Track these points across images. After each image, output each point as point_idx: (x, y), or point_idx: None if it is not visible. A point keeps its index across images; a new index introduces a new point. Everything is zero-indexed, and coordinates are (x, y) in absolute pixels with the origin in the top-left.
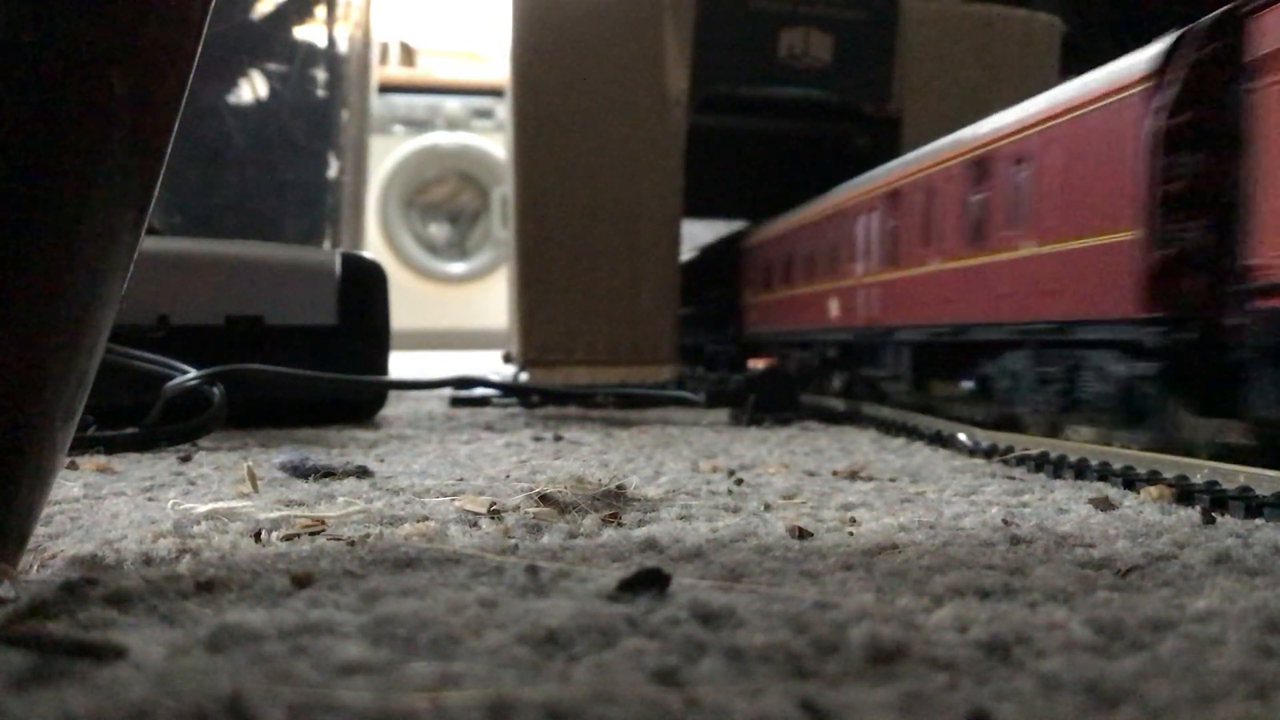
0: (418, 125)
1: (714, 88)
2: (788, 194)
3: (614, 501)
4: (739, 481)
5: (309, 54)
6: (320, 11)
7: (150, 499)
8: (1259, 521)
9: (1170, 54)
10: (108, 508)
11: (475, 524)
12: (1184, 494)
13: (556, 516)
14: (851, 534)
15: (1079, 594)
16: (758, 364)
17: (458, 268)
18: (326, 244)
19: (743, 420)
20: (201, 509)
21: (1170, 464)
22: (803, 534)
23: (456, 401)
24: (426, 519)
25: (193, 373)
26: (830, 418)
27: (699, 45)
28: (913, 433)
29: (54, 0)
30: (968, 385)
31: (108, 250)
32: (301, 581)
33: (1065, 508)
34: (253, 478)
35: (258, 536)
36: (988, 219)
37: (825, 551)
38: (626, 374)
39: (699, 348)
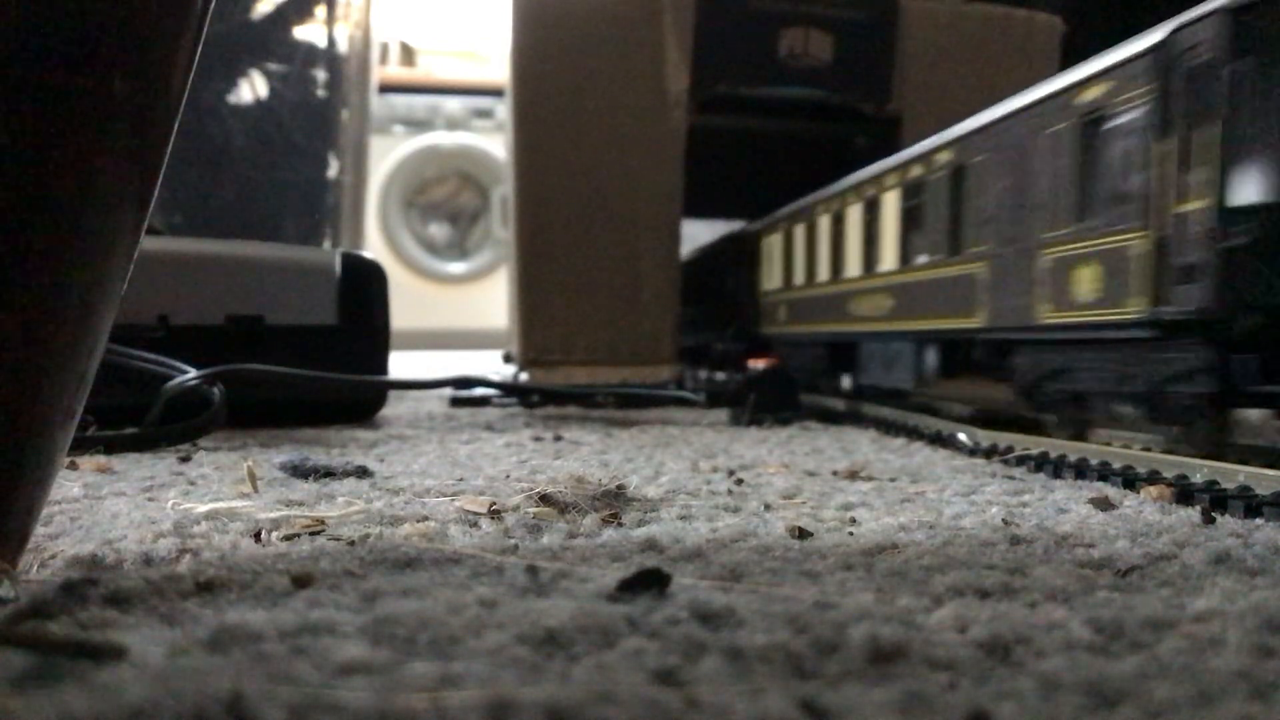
0: (418, 125)
1: (714, 88)
2: (788, 194)
3: (614, 501)
4: (739, 481)
5: (309, 54)
6: (320, 11)
7: (150, 499)
8: (1259, 521)
9: None
10: (108, 508)
11: (475, 524)
12: (1184, 494)
13: (556, 516)
14: (851, 534)
15: (1079, 594)
16: (758, 364)
17: (458, 268)
18: (326, 244)
19: (743, 420)
20: (201, 509)
21: (1170, 464)
22: (803, 534)
23: (456, 401)
24: (426, 519)
25: (193, 373)
26: (830, 418)
27: (699, 45)
28: (913, 433)
29: (54, 1)
30: None
31: (108, 250)
32: (301, 581)
33: (1065, 508)
34: (253, 478)
35: (258, 536)
36: None
37: (825, 551)
38: (626, 374)
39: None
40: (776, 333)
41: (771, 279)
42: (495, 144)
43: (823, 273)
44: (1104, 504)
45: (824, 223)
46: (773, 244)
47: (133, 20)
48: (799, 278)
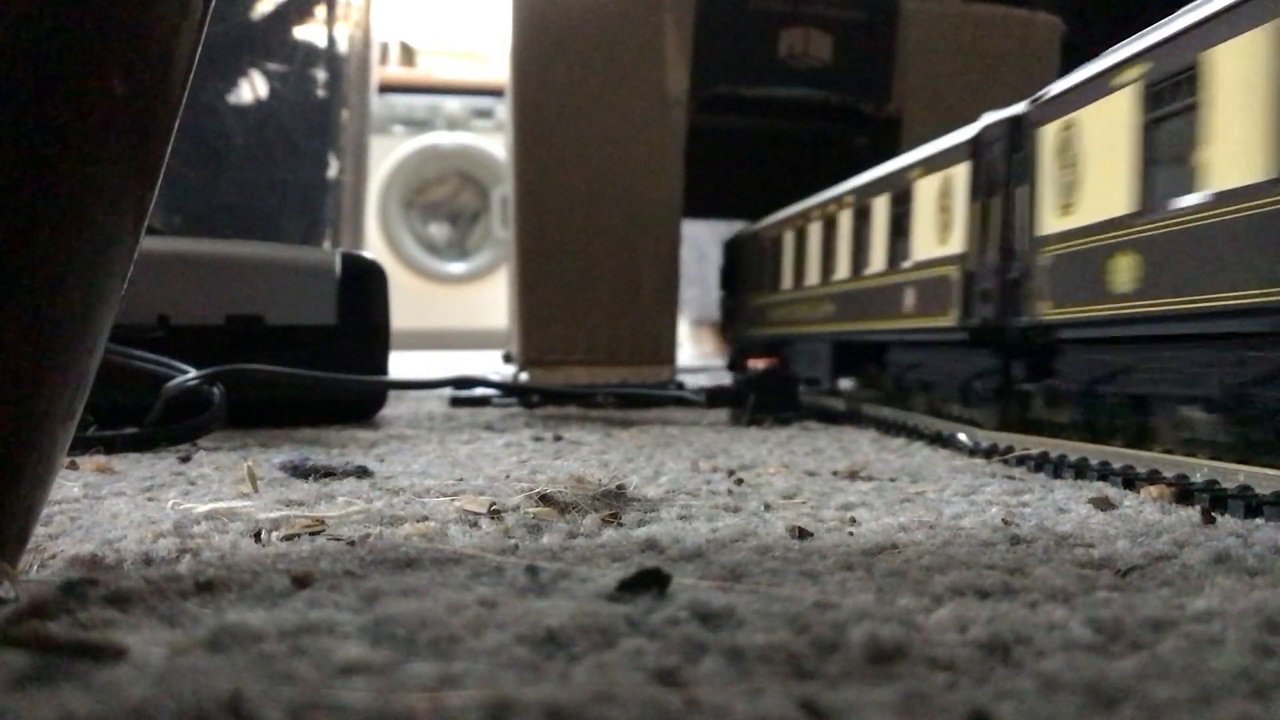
0: (418, 125)
1: (714, 88)
2: (788, 194)
3: (614, 501)
4: (739, 481)
5: (309, 54)
6: (320, 11)
7: (150, 499)
8: (1259, 521)
9: None
10: (108, 508)
11: (475, 524)
12: (1184, 493)
13: (556, 516)
14: (851, 534)
15: (1079, 594)
16: (758, 364)
17: (458, 268)
18: (326, 244)
19: (743, 420)
20: (201, 509)
21: (1170, 463)
22: (803, 534)
23: (456, 401)
24: (426, 519)
25: (193, 373)
26: (830, 418)
27: (699, 45)
28: (913, 433)
29: (54, 1)
30: None
31: (108, 250)
32: (301, 581)
33: (1065, 508)
34: (253, 478)
35: (258, 536)
36: None
37: (825, 551)
38: (626, 374)
39: None
40: None
41: None
42: (495, 144)
43: None
44: (1104, 504)
45: None
46: None
47: (133, 20)
48: None
